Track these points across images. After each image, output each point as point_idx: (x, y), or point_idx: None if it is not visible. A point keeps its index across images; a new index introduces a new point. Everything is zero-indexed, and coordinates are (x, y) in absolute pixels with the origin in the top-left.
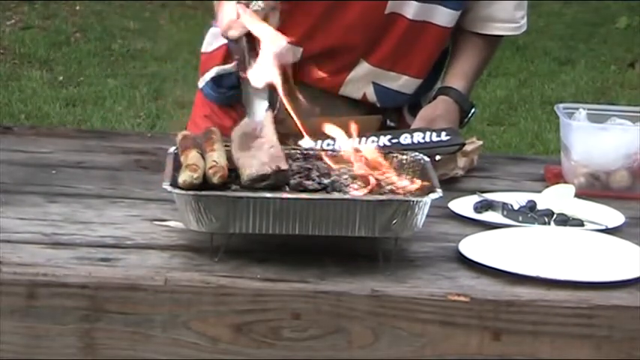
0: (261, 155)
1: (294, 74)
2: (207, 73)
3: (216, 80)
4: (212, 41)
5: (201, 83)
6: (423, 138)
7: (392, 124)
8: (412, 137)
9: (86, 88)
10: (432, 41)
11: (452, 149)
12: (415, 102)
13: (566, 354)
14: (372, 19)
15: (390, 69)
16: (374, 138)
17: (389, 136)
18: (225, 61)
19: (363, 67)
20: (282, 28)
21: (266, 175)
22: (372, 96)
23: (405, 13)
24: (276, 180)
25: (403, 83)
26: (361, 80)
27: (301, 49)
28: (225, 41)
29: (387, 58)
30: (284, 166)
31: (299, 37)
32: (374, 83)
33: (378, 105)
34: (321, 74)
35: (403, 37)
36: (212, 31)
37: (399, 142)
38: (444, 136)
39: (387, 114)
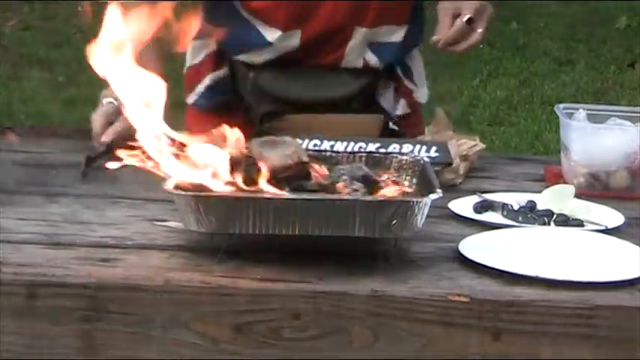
0: (284, 149)
1: (294, 61)
2: (199, 84)
3: (211, 88)
4: (195, 54)
5: (192, 98)
6: (412, 151)
7: (394, 128)
8: (401, 148)
9: (86, 89)
10: None
11: (438, 167)
12: (404, 62)
13: (566, 354)
14: None
15: (380, 25)
16: (362, 144)
17: (377, 145)
18: (215, 69)
19: (359, 34)
20: (275, 17)
21: (287, 166)
22: (371, 58)
23: None
24: (297, 172)
25: (393, 33)
26: (359, 46)
27: (299, 33)
28: (212, 49)
29: (377, 16)
30: (305, 158)
31: (294, 22)
32: (370, 44)
33: (380, 66)
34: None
35: None
36: (193, 44)
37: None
38: (432, 152)
39: (386, 79)
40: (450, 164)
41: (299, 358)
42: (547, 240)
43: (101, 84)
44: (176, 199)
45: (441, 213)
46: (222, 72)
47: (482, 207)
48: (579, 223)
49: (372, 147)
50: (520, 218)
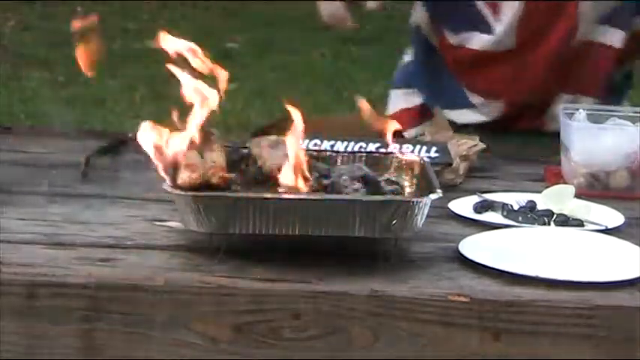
0: (284, 149)
1: (496, 124)
2: (407, 131)
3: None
4: (401, 101)
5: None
6: (412, 151)
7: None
8: (401, 148)
9: (86, 89)
10: (605, 58)
11: (438, 167)
12: None
13: (566, 354)
14: (564, 53)
15: (582, 94)
16: (362, 144)
17: (377, 145)
18: (422, 121)
19: (561, 99)
20: (476, 84)
21: None
22: None
23: (590, 37)
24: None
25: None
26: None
27: (502, 103)
28: (419, 102)
29: (579, 84)
30: (305, 158)
31: (494, 93)
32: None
33: None
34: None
35: (590, 60)
36: (397, 91)
37: None
38: (432, 153)
39: None
40: (450, 164)
41: (299, 358)
42: (547, 240)
43: (100, 84)
44: (176, 199)
45: (441, 213)
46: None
47: (483, 207)
48: (579, 223)
49: (372, 147)
50: (520, 218)
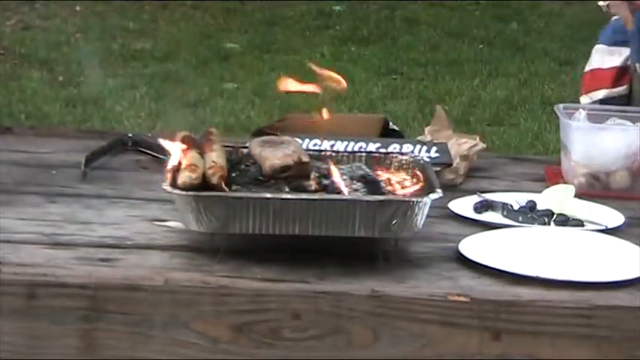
0: (284, 149)
1: None
2: (595, 92)
3: (604, 101)
4: (600, 59)
5: (586, 100)
6: (412, 151)
7: (394, 127)
8: (401, 148)
9: (86, 89)
10: None
11: (437, 167)
12: None
13: (566, 354)
14: None
15: None
16: (362, 144)
17: (377, 144)
18: (615, 85)
19: None
20: None
21: (288, 166)
22: None
23: None
24: (297, 172)
25: None
26: None
27: None
28: (618, 63)
29: None
30: (305, 158)
31: None
32: None
33: None
34: None
35: None
36: (601, 48)
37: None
38: (433, 153)
39: None
40: (450, 164)
41: (299, 358)
42: (547, 240)
43: (101, 84)
44: (176, 199)
45: (441, 213)
46: (621, 89)
47: (482, 207)
48: (579, 223)
49: (372, 147)
50: (520, 218)
